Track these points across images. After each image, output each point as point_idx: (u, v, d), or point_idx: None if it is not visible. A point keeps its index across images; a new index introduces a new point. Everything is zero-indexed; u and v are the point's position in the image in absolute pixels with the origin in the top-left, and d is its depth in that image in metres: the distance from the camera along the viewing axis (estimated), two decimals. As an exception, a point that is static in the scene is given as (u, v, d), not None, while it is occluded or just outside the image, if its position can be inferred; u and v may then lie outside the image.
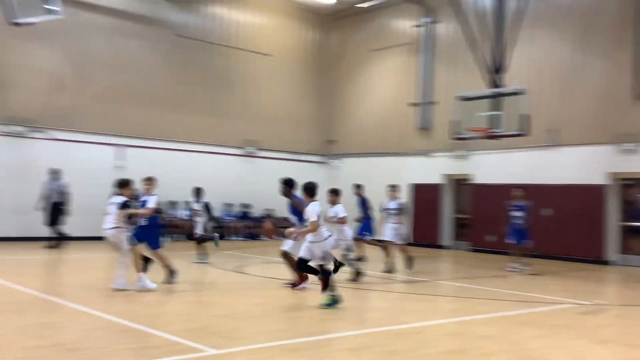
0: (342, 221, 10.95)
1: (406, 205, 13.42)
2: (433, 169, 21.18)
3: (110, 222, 9.60)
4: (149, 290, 9.65)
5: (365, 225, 15.73)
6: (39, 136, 18.12)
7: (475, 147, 19.24)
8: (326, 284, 8.80)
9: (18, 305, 8.45)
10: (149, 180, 10.61)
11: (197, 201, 14.58)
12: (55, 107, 18.49)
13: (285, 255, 10.60)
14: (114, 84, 19.59)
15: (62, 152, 18.19)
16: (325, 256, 9.02)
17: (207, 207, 14.64)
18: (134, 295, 9.52)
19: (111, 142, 19.42)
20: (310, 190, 9.19)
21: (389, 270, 13.20)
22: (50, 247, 15.74)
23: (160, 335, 6.81)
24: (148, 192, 10.46)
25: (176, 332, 6.87)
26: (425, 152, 21.34)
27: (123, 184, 9.92)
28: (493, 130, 15.53)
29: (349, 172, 23.32)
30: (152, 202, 10.20)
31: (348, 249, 11.47)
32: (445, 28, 21.16)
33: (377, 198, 14.50)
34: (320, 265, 9.00)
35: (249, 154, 22.59)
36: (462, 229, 20.90)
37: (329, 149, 24.59)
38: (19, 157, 17.66)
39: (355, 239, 16.05)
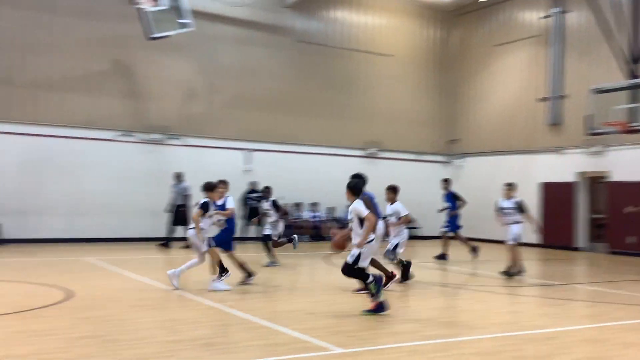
0: (406, 219, 10.72)
1: (524, 204, 12.68)
2: (565, 166, 20.06)
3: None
4: (222, 291, 9.67)
5: (452, 222, 15.54)
6: (174, 143, 19.30)
7: (612, 143, 17.99)
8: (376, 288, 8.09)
9: (156, 302, 9.02)
10: (223, 184, 10.64)
11: (266, 200, 13.75)
12: (188, 115, 19.61)
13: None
14: (240, 91, 20.43)
15: (195, 158, 19.24)
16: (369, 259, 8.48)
17: (275, 206, 13.64)
18: (264, 293, 9.83)
19: (239, 147, 20.28)
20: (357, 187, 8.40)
21: (515, 272, 12.56)
22: (186, 246, 16.70)
23: (288, 332, 6.98)
24: (223, 195, 10.48)
25: (303, 330, 7.01)
26: (556, 149, 20.27)
27: (210, 187, 10.09)
28: (632, 124, 14.48)
29: (472, 171, 22.71)
30: (230, 203, 10.37)
31: (394, 249, 10.87)
32: (577, 18, 19.98)
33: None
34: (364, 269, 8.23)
35: (371, 155, 22.64)
36: (599, 230, 19.63)
37: (451, 148, 24.07)
38: (157, 162, 18.88)
39: (444, 236, 15.89)
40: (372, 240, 8.12)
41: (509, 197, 12.84)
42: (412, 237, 14.26)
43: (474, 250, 15.57)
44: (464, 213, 15.84)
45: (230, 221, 10.40)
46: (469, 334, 7.37)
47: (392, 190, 10.83)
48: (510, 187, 12.95)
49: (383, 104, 22.91)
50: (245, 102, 20.46)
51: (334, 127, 21.95)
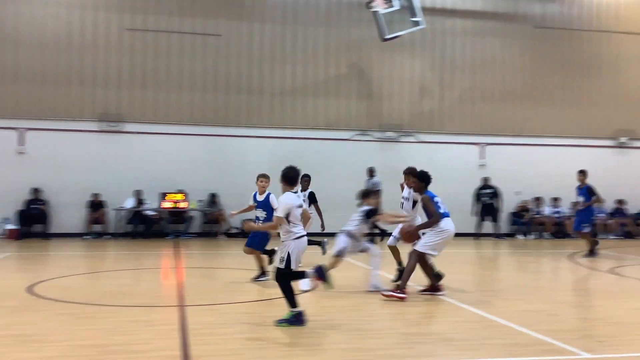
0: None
1: None
2: None
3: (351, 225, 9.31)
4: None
5: (585, 217, 13.62)
6: (408, 140, 19.66)
7: None
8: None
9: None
10: (265, 178, 9.80)
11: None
12: (421, 111, 19.83)
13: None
14: (473, 85, 20.05)
15: (428, 154, 19.39)
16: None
17: (311, 199, 12.20)
18: (501, 290, 9.56)
19: (473, 142, 19.94)
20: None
21: None
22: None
23: (529, 333, 6.71)
24: (264, 190, 9.70)
25: (546, 332, 6.68)
26: None
27: (366, 195, 9.61)
28: None
29: None
30: (274, 201, 9.40)
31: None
32: None
33: None
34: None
35: (622, 145, 20.61)
36: None
37: None
38: (392, 160, 19.37)
39: (576, 233, 14.08)
40: (302, 237, 6.95)
41: None
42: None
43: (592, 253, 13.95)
44: None
45: (268, 220, 9.32)
46: None
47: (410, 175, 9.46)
48: None
49: (634, 87, 20.70)
50: (478, 95, 20.04)
51: (576, 116, 20.41)
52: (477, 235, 18.57)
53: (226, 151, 18.63)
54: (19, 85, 17.24)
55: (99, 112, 17.79)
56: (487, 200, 18.89)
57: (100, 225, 17.47)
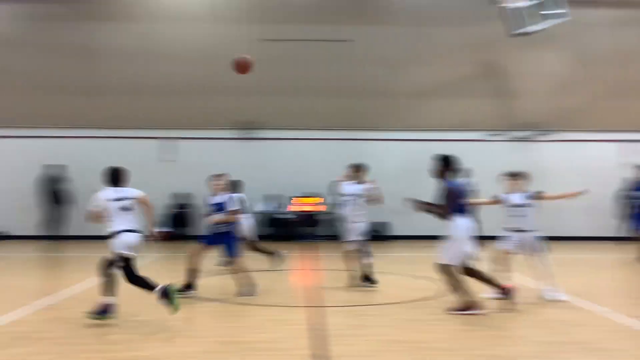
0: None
1: None
2: None
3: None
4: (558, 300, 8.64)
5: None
6: (544, 139, 18.80)
7: None
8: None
9: (528, 300, 8.86)
10: (219, 177, 9.60)
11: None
12: (559, 108, 18.87)
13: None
14: (617, 78, 18.78)
15: (565, 153, 18.46)
16: None
17: (242, 204, 10.92)
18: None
19: (615, 139, 18.73)
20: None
21: None
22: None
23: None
24: (220, 191, 9.38)
25: None
26: None
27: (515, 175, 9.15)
28: None
29: None
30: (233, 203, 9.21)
31: None
32: None
33: None
34: None
35: None
36: None
37: None
38: (526, 160, 18.57)
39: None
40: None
41: None
42: None
43: None
44: None
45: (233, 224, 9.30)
46: None
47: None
48: None
49: None
50: (623, 90, 18.73)
51: None
52: (620, 239, 17.32)
53: (360, 154, 18.57)
54: (168, 97, 18.56)
55: (238, 120, 18.74)
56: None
57: (240, 227, 18.38)
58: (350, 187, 10.09)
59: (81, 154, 18.17)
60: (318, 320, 7.37)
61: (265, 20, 18.84)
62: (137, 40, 18.58)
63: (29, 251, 15.49)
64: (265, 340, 6.46)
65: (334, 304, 8.50)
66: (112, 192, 7.43)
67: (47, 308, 8.17)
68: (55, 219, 17.41)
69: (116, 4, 18.72)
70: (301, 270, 13.06)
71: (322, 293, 9.43)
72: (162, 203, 18.08)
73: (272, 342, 6.40)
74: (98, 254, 7.57)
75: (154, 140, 18.65)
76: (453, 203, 7.80)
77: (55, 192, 17.50)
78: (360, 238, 9.90)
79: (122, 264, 7.24)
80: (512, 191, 9.05)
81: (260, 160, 18.78)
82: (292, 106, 18.86)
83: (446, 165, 7.99)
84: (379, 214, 18.25)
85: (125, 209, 7.36)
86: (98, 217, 7.38)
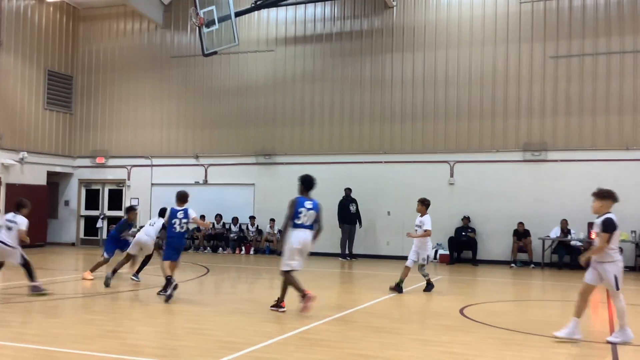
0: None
1: None
2: None
3: None
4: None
5: None
6: None
7: None
8: None
9: None
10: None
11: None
12: None
13: None
14: None
15: None
16: None
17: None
18: None
19: None
20: None
21: None
22: None
23: None
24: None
25: None
26: None
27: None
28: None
29: None
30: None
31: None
32: None
33: None
34: None
35: None
36: None
37: None
38: None
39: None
40: None
41: None
42: None
43: None
44: None
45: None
46: None
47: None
48: None
49: None
50: None
51: None
52: None
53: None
54: (451, 121, 18.89)
55: (523, 141, 18.17)
56: None
57: (526, 253, 17.68)
58: None
59: (369, 177, 19.45)
60: None
61: (550, 37, 18.09)
62: (424, 68, 19.33)
63: (327, 267, 17.02)
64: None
65: (634, 342, 7.66)
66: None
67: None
68: (348, 238, 18.93)
69: (404, 36, 19.71)
70: (598, 301, 12.03)
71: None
72: (448, 226, 18.35)
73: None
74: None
75: (443, 164, 19.01)
76: None
77: (349, 213, 18.99)
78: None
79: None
80: None
81: (548, 182, 17.88)
82: (583, 125, 17.71)
83: None
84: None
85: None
86: None
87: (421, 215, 11.49)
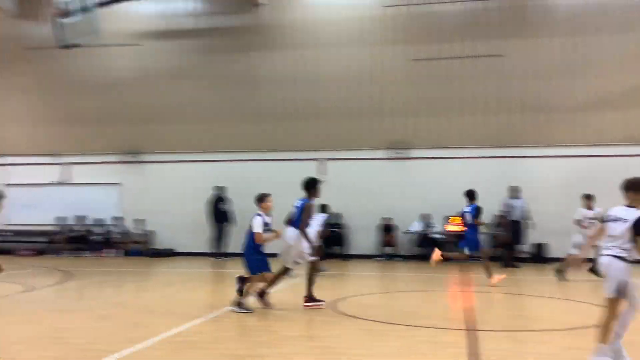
0: None
1: None
2: None
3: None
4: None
5: None
6: None
7: None
8: None
9: None
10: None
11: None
12: None
13: None
14: None
15: None
16: None
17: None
18: None
19: None
20: None
21: None
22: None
23: None
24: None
25: None
26: None
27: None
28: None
29: None
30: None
31: None
32: None
33: None
34: None
35: None
36: None
37: None
38: None
39: None
40: None
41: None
42: None
43: None
44: None
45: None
46: None
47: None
48: None
49: None
50: None
51: None
52: None
53: (512, 172, 18.17)
54: (323, 120, 19.20)
55: (388, 140, 18.93)
56: None
57: (392, 247, 18.49)
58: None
59: (241, 176, 19.33)
60: (471, 345, 7.22)
61: (412, 40, 18.93)
62: (292, 67, 19.49)
63: (197, 267, 16.75)
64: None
65: (490, 328, 8.26)
66: None
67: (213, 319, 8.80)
68: (219, 237, 18.68)
69: (272, 35, 19.77)
70: (455, 291, 12.84)
71: (477, 316, 9.19)
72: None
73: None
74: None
75: (311, 162, 19.25)
76: None
77: (220, 212, 18.76)
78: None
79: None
80: None
81: (411, 179, 18.78)
82: (440, 125, 18.71)
83: None
84: (538, 235, 17.59)
85: None
86: None
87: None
